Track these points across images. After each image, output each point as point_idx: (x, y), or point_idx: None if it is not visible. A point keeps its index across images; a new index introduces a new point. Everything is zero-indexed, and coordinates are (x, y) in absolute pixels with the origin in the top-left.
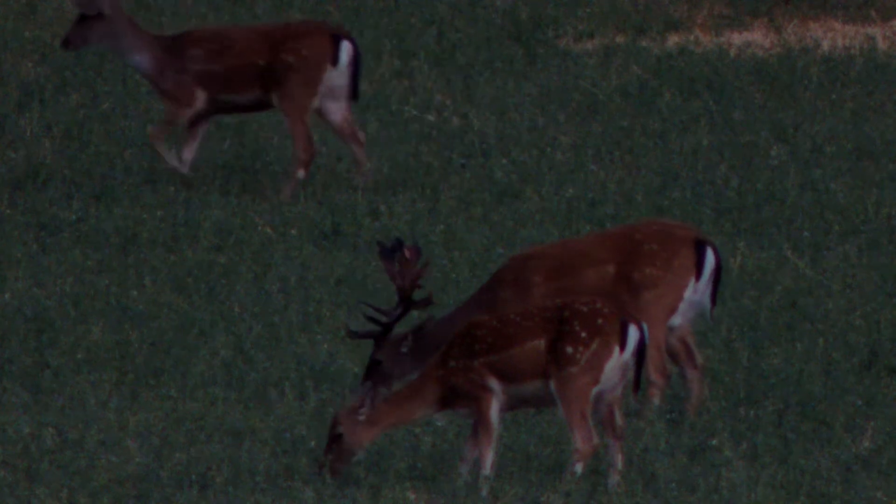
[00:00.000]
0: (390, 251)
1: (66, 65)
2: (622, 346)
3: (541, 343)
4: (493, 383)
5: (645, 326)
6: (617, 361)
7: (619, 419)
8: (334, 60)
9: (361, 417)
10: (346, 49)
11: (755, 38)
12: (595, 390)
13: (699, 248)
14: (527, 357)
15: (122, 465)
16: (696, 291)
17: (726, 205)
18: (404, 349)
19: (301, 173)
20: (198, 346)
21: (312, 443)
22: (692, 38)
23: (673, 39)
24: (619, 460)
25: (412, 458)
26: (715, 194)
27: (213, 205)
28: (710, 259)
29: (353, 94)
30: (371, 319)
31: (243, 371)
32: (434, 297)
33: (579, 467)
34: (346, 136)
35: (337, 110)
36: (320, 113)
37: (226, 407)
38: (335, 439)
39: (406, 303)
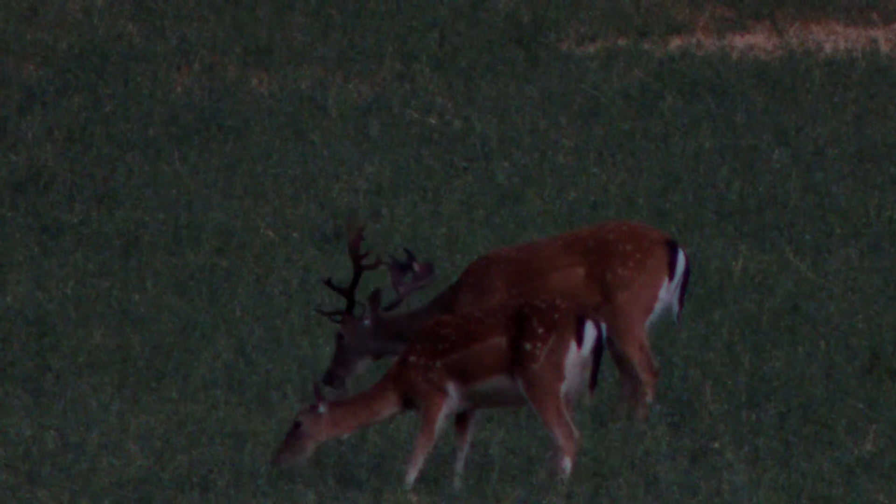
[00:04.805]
0: (404, 266)
1: (67, 68)
2: (579, 342)
3: (502, 340)
4: (450, 387)
5: (604, 326)
6: (576, 357)
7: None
8: None
9: (321, 410)
10: None
11: (757, 41)
12: (563, 387)
13: (671, 249)
14: (487, 354)
15: (124, 467)
16: (668, 292)
17: (728, 208)
18: (365, 322)
19: None
20: (199, 349)
21: None
22: (694, 41)
23: (675, 42)
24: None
25: None
26: (717, 197)
27: (215, 208)
28: (681, 260)
29: None
30: (328, 284)
31: (245, 374)
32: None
33: (568, 463)
34: None
35: None
36: None
37: (227, 410)
38: (294, 429)
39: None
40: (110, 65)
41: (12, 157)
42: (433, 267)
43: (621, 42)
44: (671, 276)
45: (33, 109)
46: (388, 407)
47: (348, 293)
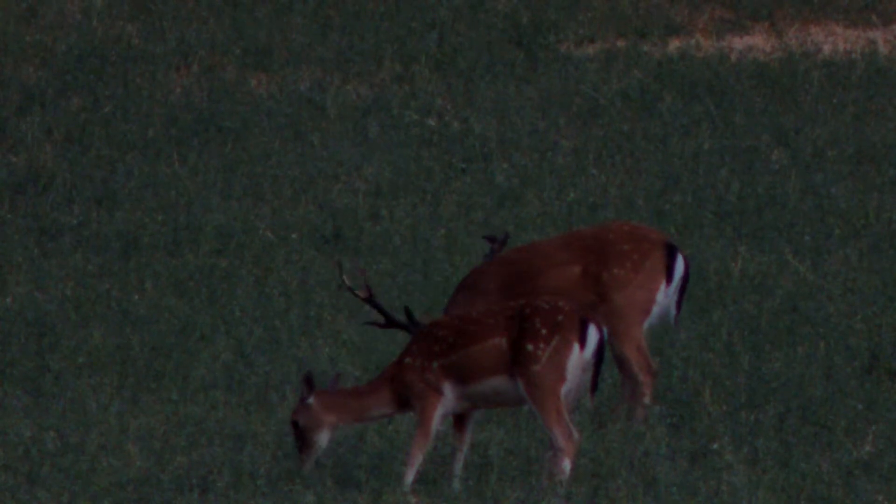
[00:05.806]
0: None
1: (66, 69)
2: (582, 344)
3: (502, 341)
4: (447, 388)
5: (605, 330)
6: (578, 359)
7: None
8: None
9: (310, 402)
10: None
11: (756, 42)
12: (564, 389)
13: (670, 252)
14: (486, 355)
15: (123, 468)
16: (665, 295)
17: (727, 209)
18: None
19: None
20: (199, 350)
21: None
22: (693, 42)
23: (674, 44)
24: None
25: None
26: (716, 198)
27: (215, 209)
28: (679, 264)
29: None
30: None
31: (244, 375)
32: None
33: (567, 464)
34: None
35: None
36: None
37: (227, 410)
38: (294, 430)
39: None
40: (109, 66)
41: (11, 158)
42: (506, 237)
43: (620, 43)
44: (669, 279)
45: (32, 110)
46: (382, 405)
47: (396, 323)
